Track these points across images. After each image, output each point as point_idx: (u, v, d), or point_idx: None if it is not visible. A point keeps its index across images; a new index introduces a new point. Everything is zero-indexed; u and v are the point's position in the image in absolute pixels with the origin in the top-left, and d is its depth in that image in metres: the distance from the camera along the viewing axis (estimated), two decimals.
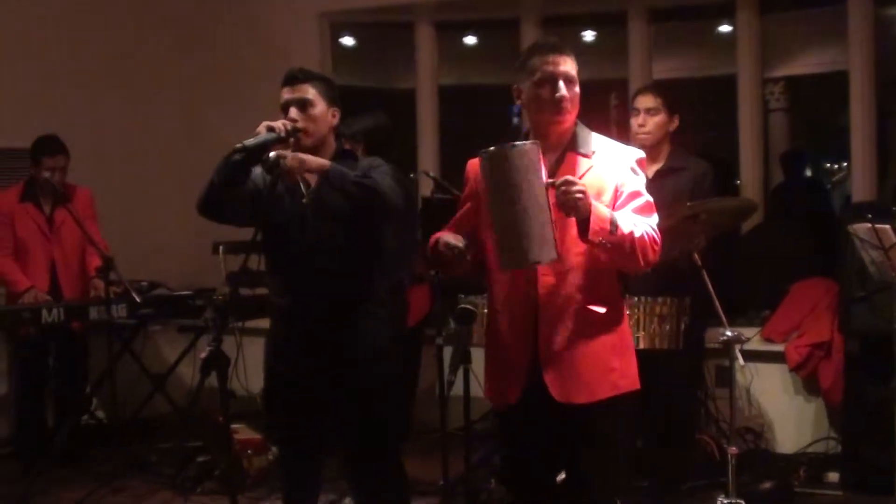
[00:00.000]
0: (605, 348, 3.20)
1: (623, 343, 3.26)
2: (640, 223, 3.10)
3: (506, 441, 3.47)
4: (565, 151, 3.21)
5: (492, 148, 3.00)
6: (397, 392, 3.88)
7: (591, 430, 3.19)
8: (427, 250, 3.29)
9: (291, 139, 3.53)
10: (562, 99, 3.15)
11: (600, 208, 3.02)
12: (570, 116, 3.21)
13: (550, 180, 2.99)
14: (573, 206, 2.96)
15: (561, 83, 3.15)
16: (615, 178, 3.17)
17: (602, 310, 3.18)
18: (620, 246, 3.05)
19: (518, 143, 2.99)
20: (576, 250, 3.14)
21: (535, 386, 3.18)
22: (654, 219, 3.19)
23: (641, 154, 3.27)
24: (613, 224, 3.01)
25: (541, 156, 2.98)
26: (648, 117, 4.65)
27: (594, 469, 3.22)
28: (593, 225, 2.97)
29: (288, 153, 3.45)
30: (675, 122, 4.68)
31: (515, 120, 8.03)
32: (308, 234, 3.64)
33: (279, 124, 3.50)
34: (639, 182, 3.20)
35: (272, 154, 3.45)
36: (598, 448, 3.22)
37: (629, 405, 3.25)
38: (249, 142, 3.44)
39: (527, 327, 3.20)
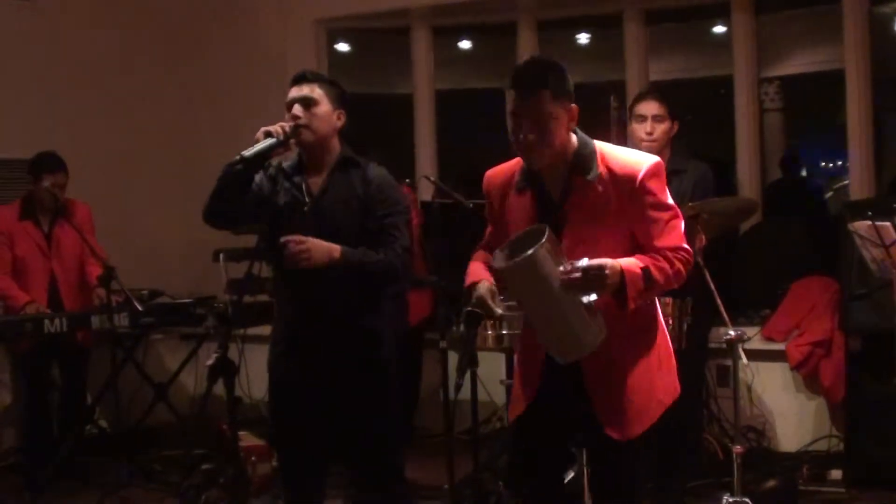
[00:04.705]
0: (650, 369, 3.05)
1: (663, 352, 3.11)
2: (669, 254, 2.93)
3: (517, 447, 3.29)
4: (570, 176, 2.97)
5: (508, 259, 2.81)
6: (397, 399, 3.87)
7: (632, 452, 3.04)
8: (463, 290, 3.08)
9: (292, 140, 3.53)
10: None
11: (630, 269, 2.83)
12: (542, 153, 2.94)
13: (565, 275, 2.77)
14: (598, 287, 2.80)
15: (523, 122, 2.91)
16: (623, 200, 2.93)
17: (639, 332, 3.04)
18: (661, 291, 2.96)
19: (532, 249, 2.75)
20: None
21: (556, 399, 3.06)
22: (680, 229, 2.98)
23: (653, 161, 2.99)
24: (647, 278, 2.85)
25: (552, 245, 2.78)
26: (656, 124, 4.57)
27: (623, 481, 3.09)
28: (631, 292, 2.82)
29: (294, 244, 3.44)
30: (676, 127, 4.68)
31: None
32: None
33: (276, 128, 3.50)
34: (659, 197, 2.96)
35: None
36: (632, 464, 3.08)
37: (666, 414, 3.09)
38: (248, 152, 3.45)
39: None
